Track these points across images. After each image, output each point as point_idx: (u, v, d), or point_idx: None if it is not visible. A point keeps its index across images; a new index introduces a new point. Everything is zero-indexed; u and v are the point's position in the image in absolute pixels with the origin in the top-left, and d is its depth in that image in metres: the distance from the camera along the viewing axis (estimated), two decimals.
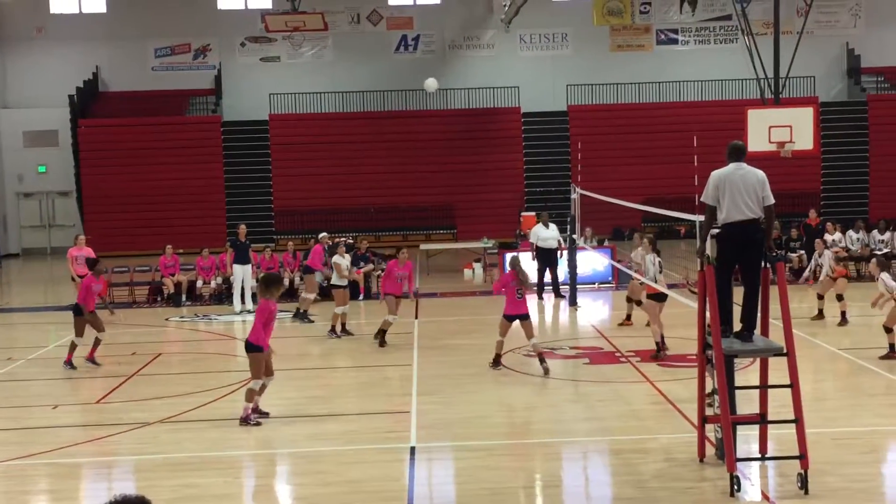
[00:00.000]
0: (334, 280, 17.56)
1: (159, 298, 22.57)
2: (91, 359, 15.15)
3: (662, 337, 14.37)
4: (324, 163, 36.61)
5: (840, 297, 16.85)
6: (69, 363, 14.96)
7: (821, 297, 17.28)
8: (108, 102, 38.01)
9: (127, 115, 36.73)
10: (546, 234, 21.23)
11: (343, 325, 17.24)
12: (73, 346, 15.06)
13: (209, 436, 10.85)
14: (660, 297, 14.40)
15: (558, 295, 20.96)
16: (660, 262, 14.76)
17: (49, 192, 37.92)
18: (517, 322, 13.62)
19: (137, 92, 37.95)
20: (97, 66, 38.29)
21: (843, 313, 16.72)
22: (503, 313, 13.76)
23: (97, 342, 15.20)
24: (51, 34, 37.70)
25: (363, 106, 37.88)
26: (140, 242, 33.65)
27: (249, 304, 20.47)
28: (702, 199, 9.34)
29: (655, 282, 14.41)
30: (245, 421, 11.14)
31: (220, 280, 22.36)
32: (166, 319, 20.23)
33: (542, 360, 13.58)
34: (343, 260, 17.52)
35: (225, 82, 38.35)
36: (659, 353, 14.27)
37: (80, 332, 15.09)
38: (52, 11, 37.92)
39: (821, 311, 17.27)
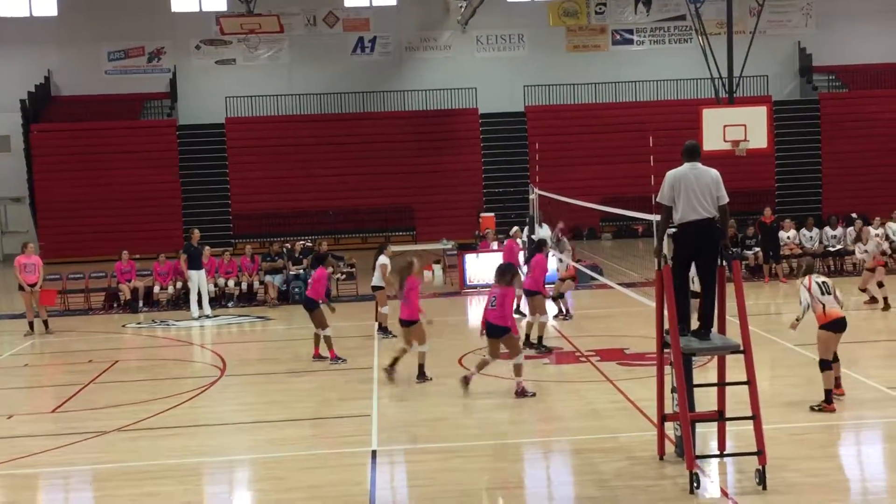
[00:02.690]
0: (377, 282, 17.16)
1: (115, 305, 22.31)
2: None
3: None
4: (281, 166, 36.43)
5: (881, 284, 18.23)
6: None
7: (863, 290, 18.37)
8: (60, 107, 37.53)
9: (80, 120, 36.28)
10: (541, 233, 21.17)
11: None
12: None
13: (168, 443, 10.73)
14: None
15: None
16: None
17: (1, 198, 37.36)
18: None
19: (91, 96, 37.52)
20: (49, 70, 37.80)
21: (886, 299, 17.85)
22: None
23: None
24: (1, 38, 37.13)
25: (320, 108, 37.75)
26: (95, 248, 33.23)
27: (207, 310, 20.32)
28: (657, 200, 9.40)
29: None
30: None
31: (177, 285, 22.16)
32: (123, 326, 20.00)
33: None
34: (388, 261, 17.13)
35: (180, 86, 38.03)
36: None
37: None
38: (1, 15, 37.37)
39: (873, 298, 18.23)
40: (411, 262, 13.79)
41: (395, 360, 13.52)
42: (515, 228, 20.87)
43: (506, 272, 12.74)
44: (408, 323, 13.52)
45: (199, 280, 20.38)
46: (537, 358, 14.82)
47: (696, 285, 9.58)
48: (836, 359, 11.27)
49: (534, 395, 12.36)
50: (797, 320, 11.51)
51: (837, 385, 11.40)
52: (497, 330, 12.42)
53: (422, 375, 13.38)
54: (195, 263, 20.37)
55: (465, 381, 12.57)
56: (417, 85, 38.07)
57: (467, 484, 9.09)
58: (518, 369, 12.41)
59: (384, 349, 15.77)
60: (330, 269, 22.08)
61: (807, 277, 11.34)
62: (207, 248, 21.82)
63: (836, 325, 11.12)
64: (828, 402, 11.02)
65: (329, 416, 11.80)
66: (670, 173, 9.29)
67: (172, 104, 38.00)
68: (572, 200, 19.34)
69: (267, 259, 22.65)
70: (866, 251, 18.99)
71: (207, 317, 20.09)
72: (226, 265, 22.27)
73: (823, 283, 11.24)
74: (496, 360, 12.63)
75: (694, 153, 9.42)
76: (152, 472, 9.60)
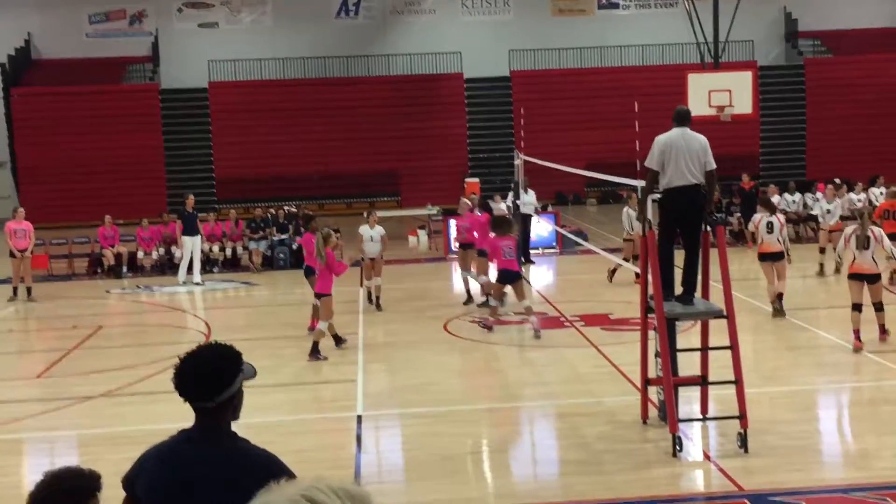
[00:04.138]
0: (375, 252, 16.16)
1: (99, 270, 22.22)
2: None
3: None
4: (265, 130, 36.21)
5: (822, 251, 18.10)
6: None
7: None
8: (41, 70, 37.13)
9: (61, 84, 35.90)
10: (528, 199, 21.14)
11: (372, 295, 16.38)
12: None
13: (153, 409, 10.74)
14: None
15: (528, 260, 20.93)
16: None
17: None
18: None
19: (72, 59, 37.12)
20: (29, 33, 37.34)
21: (828, 265, 17.67)
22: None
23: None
24: None
25: (304, 72, 37.48)
26: (78, 213, 33.01)
27: (197, 277, 20.15)
28: (646, 164, 9.39)
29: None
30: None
31: (161, 251, 22.09)
32: (107, 291, 19.94)
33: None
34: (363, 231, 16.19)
35: (162, 49, 37.67)
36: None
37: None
38: None
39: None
40: (329, 234, 13.43)
41: (335, 336, 13.33)
42: (473, 196, 19.61)
43: (504, 223, 14.34)
44: (319, 295, 13.18)
45: (192, 247, 20.26)
46: (521, 324, 14.90)
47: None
48: (876, 307, 12.37)
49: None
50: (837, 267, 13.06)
51: (881, 329, 12.43)
52: (516, 276, 13.95)
53: (315, 352, 12.82)
54: (190, 229, 20.25)
55: (488, 328, 14.05)
56: (402, 49, 37.82)
57: (452, 448, 9.15)
58: (529, 310, 13.85)
59: (368, 319, 15.82)
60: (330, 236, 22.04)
61: (850, 228, 12.72)
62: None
63: (853, 276, 12.45)
64: (857, 339, 12.15)
65: (315, 382, 11.85)
66: (660, 138, 9.27)
67: (155, 68, 37.65)
68: (557, 166, 19.33)
69: (251, 226, 22.59)
70: (829, 210, 18.56)
71: (197, 284, 19.93)
72: (211, 227, 22.14)
73: (860, 236, 12.32)
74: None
75: (685, 118, 9.41)
76: (138, 437, 9.61)
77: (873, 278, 12.32)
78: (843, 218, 21.87)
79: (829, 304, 15.29)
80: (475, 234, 16.24)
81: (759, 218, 14.66)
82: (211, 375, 3.62)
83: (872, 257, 12.37)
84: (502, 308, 14.56)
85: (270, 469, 3.66)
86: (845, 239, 12.60)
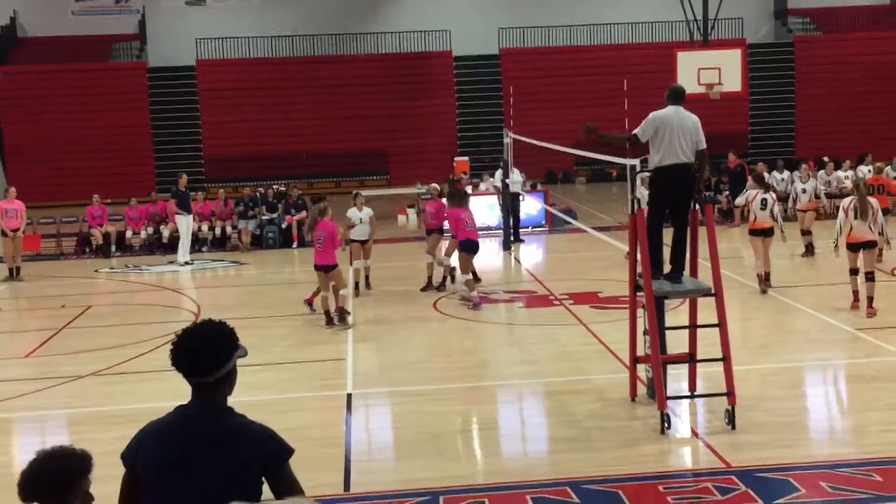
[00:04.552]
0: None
1: (87, 250, 22.16)
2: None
3: None
4: (254, 109, 36.06)
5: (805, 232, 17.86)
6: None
7: None
8: (27, 48, 36.86)
9: (48, 62, 35.66)
10: (516, 177, 21.11)
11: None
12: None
13: (143, 388, 10.75)
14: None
15: (517, 238, 20.94)
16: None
17: None
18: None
19: (58, 37, 36.85)
20: (14, 11, 37.06)
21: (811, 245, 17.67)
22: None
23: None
24: None
25: (292, 51, 37.30)
26: (65, 192, 32.90)
27: (187, 256, 20.10)
28: (635, 132, 9.34)
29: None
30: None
31: (150, 230, 22.02)
32: (95, 271, 19.89)
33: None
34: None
35: (149, 27, 37.43)
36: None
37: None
38: None
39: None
40: (325, 207, 13.72)
41: (327, 312, 13.47)
42: (433, 185, 19.25)
43: (459, 195, 14.99)
44: (327, 268, 13.42)
45: (187, 225, 20.21)
46: (510, 302, 14.91)
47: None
48: (867, 277, 12.85)
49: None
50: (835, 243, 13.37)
51: (868, 302, 12.85)
52: (477, 246, 14.56)
53: (343, 317, 13.38)
54: (183, 207, 20.18)
55: (476, 305, 14.19)
56: (391, 27, 37.66)
57: (442, 426, 9.18)
58: (470, 285, 14.41)
59: (358, 298, 15.83)
60: (304, 214, 22.04)
61: (847, 200, 13.16)
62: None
63: (851, 246, 13.03)
64: (856, 300, 13.06)
65: (304, 360, 11.86)
66: (656, 114, 9.25)
67: (142, 46, 37.42)
68: (546, 144, 19.30)
69: (239, 205, 22.53)
70: (803, 190, 18.38)
71: (186, 263, 19.89)
72: (199, 205, 22.07)
73: (857, 208, 12.86)
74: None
75: (680, 96, 9.40)
76: (128, 416, 9.60)
77: (870, 245, 12.93)
78: (828, 196, 21.95)
79: (817, 282, 15.34)
80: (445, 221, 15.98)
81: (755, 194, 14.94)
82: (209, 351, 3.64)
83: (869, 226, 12.84)
84: (471, 279, 14.75)
85: (269, 444, 3.68)
86: (844, 210, 13.01)
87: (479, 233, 15.89)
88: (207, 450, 3.56)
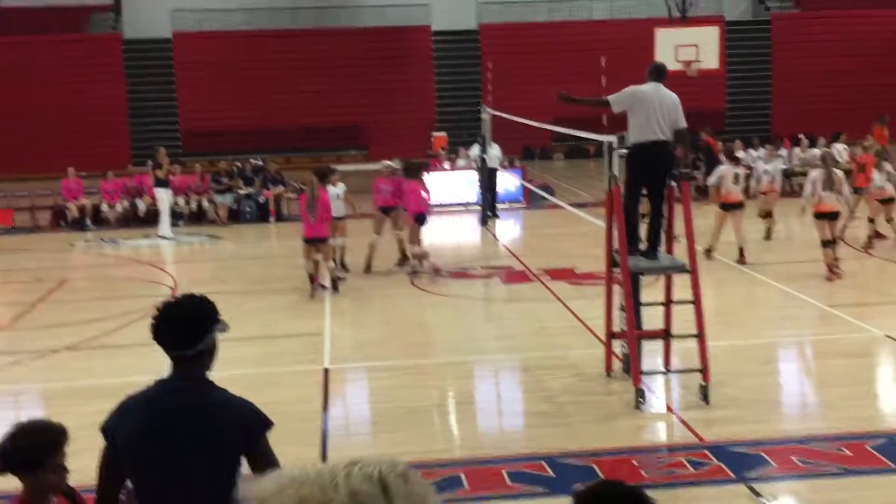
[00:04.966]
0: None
1: (63, 223, 22.01)
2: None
3: None
4: (231, 82, 35.79)
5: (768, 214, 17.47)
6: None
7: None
8: (2, 19, 36.34)
9: (22, 32, 35.18)
10: (494, 153, 21.03)
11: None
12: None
13: (119, 362, 10.72)
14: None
15: (494, 214, 20.89)
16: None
17: None
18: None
19: (32, 7, 36.31)
20: None
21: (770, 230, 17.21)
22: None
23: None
24: None
25: (270, 23, 36.99)
26: (40, 164, 32.51)
27: (169, 229, 19.91)
28: (609, 97, 9.35)
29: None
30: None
31: (126, 203, 21.89)
32: (71, 244, 19.77)
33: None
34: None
35: None
36: None
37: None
38: None
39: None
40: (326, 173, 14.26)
41: (312, 276, 13.74)
42: (386, 163, 17.12)
43: (415, 168, 15.16)
44: (322, 240, 13.62)
45: (167, 199, 20.05)
46: (487, 278, 14.95)
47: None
48: (833, 242, 13.61)
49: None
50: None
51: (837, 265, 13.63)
52: (422, 217, 14.56)
53: (336, 286, 13.79)
54: (162, 182, 20.02)
55: (437, 272, 14.45)
56: (370, 0, 37.42)
57: (418, 401, 9.23)
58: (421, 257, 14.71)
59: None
60: (281, 189, 21.99)
61: (815, 172, 13.84)
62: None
63: (819, 216, 13.60)
64: (830, 272, 13.57)
65: (281, 335, 11.86)
66: (635, 88, 9.27)
67: (117, 17, 36.99)
68: (524, 120, 19.30)
69: (216, 179, 22.42)
70: (766, 171, 17.81)
71: (163, 237, 19.75)
72: (175, 178, 21.92)
73: (824, 179, 13.49)
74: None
75: (661, 74, 9.43)
76: (104, 389, 9.57)
77: (835, 216, 13.69)
78: (790, 174, 22.04)
79: (791, 259, 15.47)
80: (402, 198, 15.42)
81: (728, 169, 15.27)
82: (191, 323, 3.65)
83: (836, 198, 13.60)
84: (423, 251, 14.83)
85: (250, 417, 3.71)
86: (812, 183, 13.66)
87: (456, 209, 15.93)
88: (188, 422, 3.58)
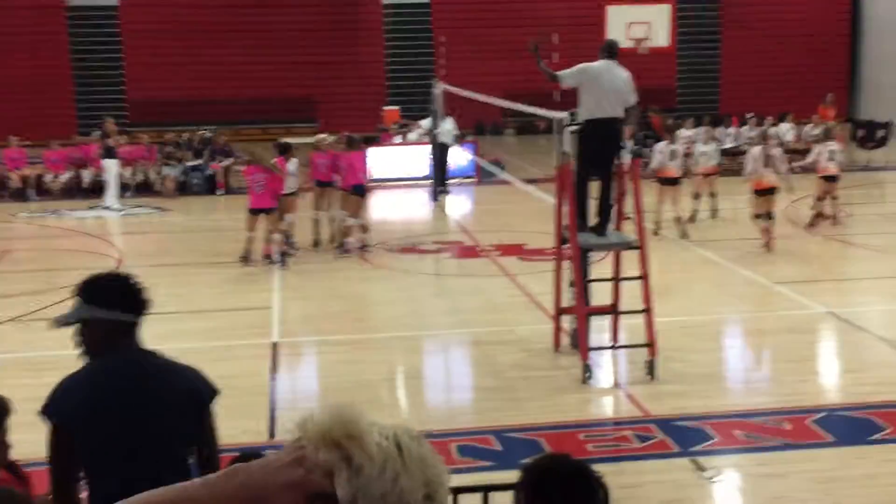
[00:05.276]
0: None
1: (5, 193, 21.56)
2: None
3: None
4: (179, 52, 35.22)
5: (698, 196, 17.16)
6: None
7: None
8: None
9: None
10: (447, 126, 20.85)
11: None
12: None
13: (64, 334, 10.52)
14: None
15: (444, 189, 20.76)
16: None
17: None
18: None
19: None
20: None
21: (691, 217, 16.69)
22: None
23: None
24: None
25: None
26: None
27: (110, 202, 19.62)
28: (560, 73, 9.37)
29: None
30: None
31: (70, 174, 21.50)
32: (13, 215, 19.39)
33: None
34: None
35: None
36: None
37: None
38: None
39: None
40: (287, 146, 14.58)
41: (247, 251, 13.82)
42: (320, 137, 16.58)
43: (356, 141, 14.97)
44: (269, 210, 13.72)
45: (115, 170, 19.72)
46: (437, 253, 14.95)
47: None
48: (768, 216, 14.29)
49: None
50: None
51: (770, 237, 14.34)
52: (363, 189, 14.50)
53: (284, 260, 13.77)
54: (110, 153, 19.68)
55: (344, 249, 14.38)
56: None
57: (367, 374, 9.23)
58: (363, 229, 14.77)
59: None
60: (230, 161, 21.75)
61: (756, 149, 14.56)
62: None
63: (759, 192, 14.32)
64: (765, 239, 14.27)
65: (230, 309, 11.77)
66: (587, 66, 9.31)
67: None
68: (476, 95, 19.26)
69: (164, 150, 22.11)
70: (703, 153, 17.02)
71: (107, 208, 19.46)
72: (123, 152, 21.58)
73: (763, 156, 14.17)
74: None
75: (613, 52, 9.47)
76: (50, 362, 9.44)
77: (773, 191, 14.26)
78: (728, 153, 22.28)
79: (738, 237, 15.67)
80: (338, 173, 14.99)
81: (663, 146, 15.94)
82: (136, 292, 3.63)
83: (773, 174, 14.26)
84: (362, 223, 14.81)
85: (198, 382, 3.68)
86: (753, 159, 14.29)
87: (408, 182, 15.89)
88: (138, 391, 3.54)
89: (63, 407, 3.56)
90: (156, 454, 3.49)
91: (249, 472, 1.54)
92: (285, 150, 14.36)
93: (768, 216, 14.28)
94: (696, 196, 16.78)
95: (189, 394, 3.63)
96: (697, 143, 17.38)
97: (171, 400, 3.58)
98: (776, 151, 14.46)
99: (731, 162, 24.12)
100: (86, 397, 3.55)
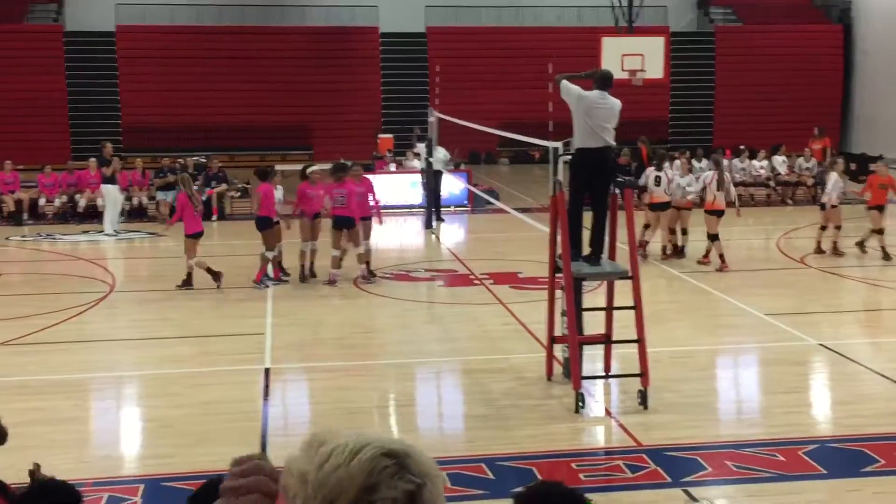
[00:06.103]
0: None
1: None
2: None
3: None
4: (175, 78, 35.34)
5: (677, 231, 16.89)
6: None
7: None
8: None
9: None
10: (439, 156, 20.95)
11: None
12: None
13: (55, 359, 10.54)
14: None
15: (439, 217, 20.82)
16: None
17: None
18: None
19: None
20: None
21: (672, 246, 16.63)
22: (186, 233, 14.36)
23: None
24: None
25: (216, 19, 36.64)
26: None
27: (117, 225, 19.58)
28: (565, 84, 9.46)
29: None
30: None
31: (64, 198, 21.50)
32: (7, 239, 19.36)
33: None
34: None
35: None
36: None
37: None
38: None
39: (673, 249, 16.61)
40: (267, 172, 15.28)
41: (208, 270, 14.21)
42: (313, 169, 16.26)
43: (341, 169, 15.02)
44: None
45: (114, 195, 19.68)
46: (430, 280, 14.94)
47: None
48: (716, 237, 15.41)
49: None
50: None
51: (721, 259, 15.37)
52: (347, 221, 14.39)
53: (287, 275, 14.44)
54: (108, 178, 19.67)
55: (332, 283, 14.31)
56: (318, 0, 37.25)
57: (359, 402, 9.21)
58: (361, 257, 14.62)
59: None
60: (224, 187, 21.80)
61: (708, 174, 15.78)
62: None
63: (711, 213, 15.42)
64: (722, 262, 15.29)
65: (222, 334, 11.75)
66: (583, 93, 9.38)
67: (59, 9, 36.36)
68: (470, 124, 19.35)
69: (159, 175, 22.13)
70: (684, 186, 16.28)
71: (106, 234, 19.35)
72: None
73: (717, 180, 15.38)
74: (346, 251, 14.62)
75: (607, 82, 9.54)
76: (38, 386, 9.42)
77: (722, 213, 15.44)
78: (745, 184, 22.47)
79: (731, 268, 15.69)
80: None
81: (650, 172, 16.57)
82: None
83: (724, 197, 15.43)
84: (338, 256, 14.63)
85: None
86: (706, 182, 15.49)
87: (401, 210, 15.90)
88: None
89: None
90: None
91: None
92: (265, 175, 15.09)
93: (716, 237, 15.34)
94: (672, 231, 16.33)
95: None
96: (675, 178, 16.49)
97: None
98: (728, 176, 16.00)
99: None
100: None
